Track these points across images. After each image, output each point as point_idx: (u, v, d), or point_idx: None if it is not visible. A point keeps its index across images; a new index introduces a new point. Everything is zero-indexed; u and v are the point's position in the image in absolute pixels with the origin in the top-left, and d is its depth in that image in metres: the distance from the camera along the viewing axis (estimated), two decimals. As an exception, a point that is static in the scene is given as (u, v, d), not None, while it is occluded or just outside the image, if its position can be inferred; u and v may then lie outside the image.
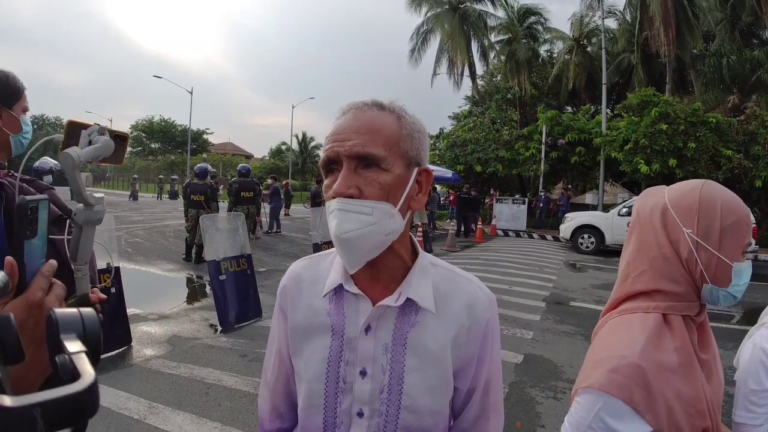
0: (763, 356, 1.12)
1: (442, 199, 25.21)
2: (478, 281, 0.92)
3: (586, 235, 13.91)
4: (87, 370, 0.43)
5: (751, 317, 6.56)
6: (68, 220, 1.10)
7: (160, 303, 6.32)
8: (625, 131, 17.04)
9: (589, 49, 28.50)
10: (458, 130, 23.94)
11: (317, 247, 6.81)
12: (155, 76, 34.05)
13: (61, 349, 0.47)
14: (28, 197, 0.72)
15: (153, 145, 59.18)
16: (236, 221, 5.94)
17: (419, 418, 0.83)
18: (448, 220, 21.16)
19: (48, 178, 6.11)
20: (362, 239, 0.76)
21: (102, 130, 1.03)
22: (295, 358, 0.91)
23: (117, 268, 4.69)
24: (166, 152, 56.97)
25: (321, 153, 0.85)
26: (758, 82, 21.65)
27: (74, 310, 0.55)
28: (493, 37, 28.90)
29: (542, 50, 30.19)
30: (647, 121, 16.31)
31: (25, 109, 1.25)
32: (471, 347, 0.86)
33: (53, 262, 0.90)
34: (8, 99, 1.21)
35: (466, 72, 28.84)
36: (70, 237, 1.04)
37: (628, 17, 26.51)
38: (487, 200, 21.64)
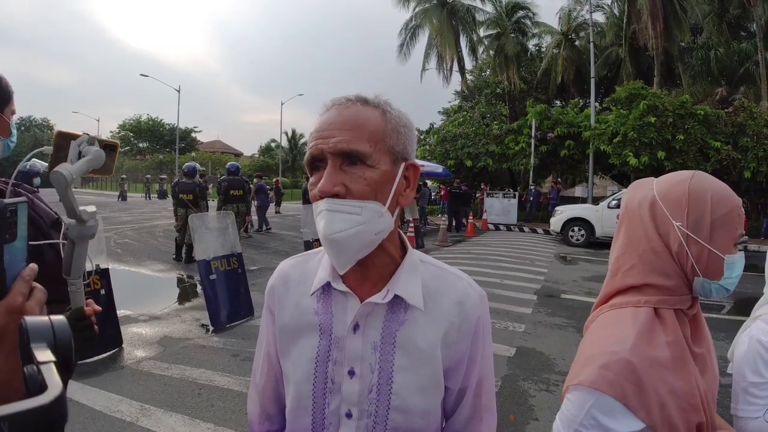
0: (761, 348, 1.11)
1: (433, 194, 25.24)
2: (468, 278, 0.90)
3: (576, 228, 14.00)
4: (55, 381, 0.41)
5: (741, 308, 6.65)
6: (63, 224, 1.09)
7: (151, 304, 6.26)
8: (613, 124, 17.15)
9: (577, 43, 28.65)
10: (448, 125, 23.96)
11: (308, 245, 6.79)
12: (142, 74, 33.85)
13: (31, 359, 0.46)
14: (6, 200, 0.71)
15: (141, 145, 58.67)
16: (226, 220, 5.89)
17: (409, 419, 0.81)
18: (440, 215, 21.19)
19: (37, 180, 6.04)
20: (351, 240, 0.75)
21: (92, 140, 1.02)
22: (282, 359, 0.89)
23: (106, 270, 4.63)
24: (154, 151, 56.54)
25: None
26: (746, 75, 21.92)
27: (45, 318, 0.53)
28: (481, 32, 28.97)
29: (531, 45, 30.30)
30: (636, 114, 16.43)
31: (13, 113, 1.23)
32: (461, 346, 0.85)
33: (34, 266, 0.88)
34: (0, 103, 1.19)
35: (455, 67, 28.91)
36: (61, 242, 1.02)
37: (615, 11, 26.70)
38: (477, 195, 21.71)
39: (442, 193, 21.79)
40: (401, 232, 0.89)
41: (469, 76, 31.65)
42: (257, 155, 59.11)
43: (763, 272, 1.32)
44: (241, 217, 10.83)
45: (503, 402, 3.67)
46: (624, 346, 0.84)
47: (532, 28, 29.03)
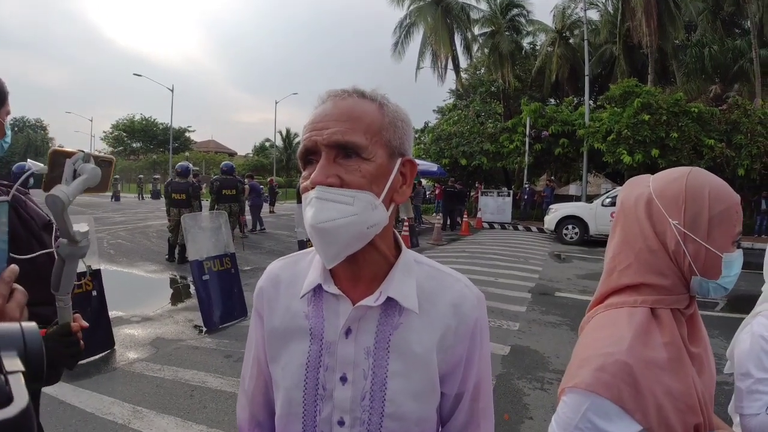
0: (764, 343, 1.10)
1: (427, 192, 25.27)
2: (466, 279, 0.87)
3: (570, 226, 14.05)
4: (21, 392, 0.40)
5: (735, 305, 6.67)
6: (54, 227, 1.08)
7: (143, 305, 6.22)
8: (607, 122, 17.23)
9: (571, 41, 28.75)
10: (443, 123, 24.01)
11: (302, 244, 6.77)
12: (135, 74, 33.73)
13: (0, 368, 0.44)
14: None
15: (134, 145, 58.47)
16: (219, 220, 5.86)
17: (404, 426, 0.78)
18: (434, 214, 21.23)
19: (30, 181, 6.00)
20: (341, 230, 0.71)
21: (87, 158, 1.01)
22: (272, 364, 0.86)
23: (98, 271, 4.59)
24: (147, 151, 56.35)
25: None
26: (740, 72, 22.06)
27: (15, 324, 0.51)
28: (476, 30, 29.03)
29: (525, 43, 30.41)
30: (630, 112, 16.51)
31: (8, 113, 1.23)
32: (458, 349, 0.82)
33: (14, 267, 0.85)
34: None
35: (450, 65, 28.93)
36: (54, 249, 1.01)
37: (610, 8, 26.81)
38: (472, 193, 21.75)
39: (437, 191, 21.82)
40: (396, 231, 0.86)
41: (463, 75, 31.70)
42: (251, 155, 59.01)
43: (756, 270, 1.31)
44: (234, 217, 10.78)
45: (498, 401, 3.66)
46: (620, 348, 0.82)
47: (527, 26, 29.12)
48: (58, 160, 0.97)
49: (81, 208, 21.58)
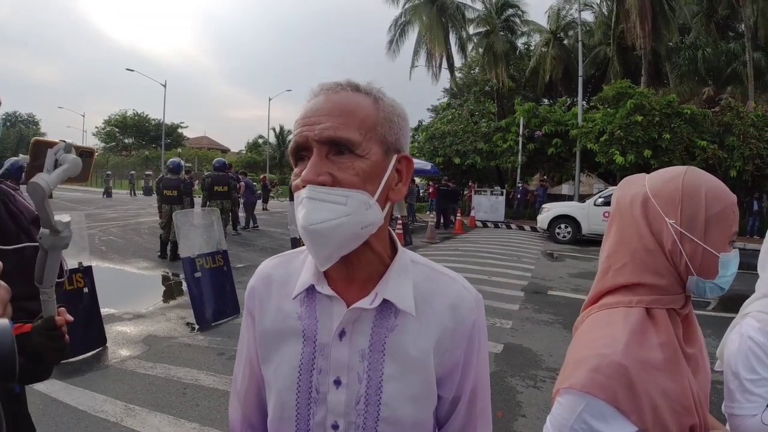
0: (753, 345, 1.11)
1: (421, 191, 25.28)
2: (463, 280, 0.85)
3: (562, 225, 14.11)
4: None
5: (727, 305, 6.72)
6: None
7: (136, 302, 6.18)
8: (600, 123, 17.29)
9: (565, 41, 28.82)
10: (437, 122, 24.03)
11: (295, 242, 6.75)
12: (128, 69, 33.28)
13: None
14: None
15: (126, 141, 58.03)
16: (211, 216, 5.83)
17: (400, 431, 0.77)
18: (428, 212, 21.25)
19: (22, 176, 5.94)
20: (334, 231, 0.69)
21: (68, 148, 1.00)
22: (264, 366, 0.84)
23: (90, 267, 4.55)
24: (140, 147, 55.96)
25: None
26: (733, 74, 22.22)
27: None
28: (471, 30, 28.97)
29: (520, 43, 30.44)
30: (622, 113, 16.57)
31: None
32: (456, 352, 0.80)
33: None
34: None
35: (445, 64, 28.90)
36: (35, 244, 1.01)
37: (604, 10, 26.91)
38: (465, 192, 21.78)
39: (431, 190, 21.83)
40: (391, 230, 0.83)
41: (458, 74, 31.71)
42: (244, 151, 58.74)
43: (748, 270, 1.32)
44: (226, 214, 10.74)
45: (491, 398, 3.67)
46: (615, 349, 0.82)
47: (521, 27, 29.14)
48: (40, 149, 0.97)
49: (73, 204, 21.39)
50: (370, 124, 0.72)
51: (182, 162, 9.65)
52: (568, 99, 25.12)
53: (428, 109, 36.57)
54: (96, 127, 60.05)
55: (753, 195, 16.30)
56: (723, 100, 18.07)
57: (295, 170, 0.74)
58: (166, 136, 42.09)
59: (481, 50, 28.18)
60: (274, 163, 46.96)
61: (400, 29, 28.52)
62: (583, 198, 16.86)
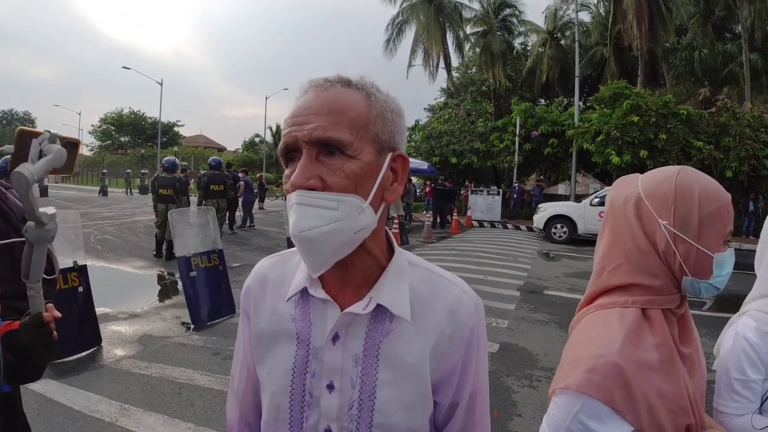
0: (746, 345, 1.11)
1: (418, 190, 25.30)
2: (463, 283, 0.82)
3: (558, 225, 14.15)
4: None
5: (722, 304, 6.75)
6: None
7: (131, 301, 6.16)
8: (597, 123, 17.33)
9: (562, 42, 28.91)
10: (434, 122, 24.03)
11: (291, 241, 6.74)
12: (124, 67, 33.16)
13: None
14: None
15: (122, 139, 57.89)
16: (206, 215, 5.81)
17: None
18: (425, 212, 21.28)
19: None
20: (326, 238, 0.66)
21: (53, 138, 0.99)
22: (258, 367, 0.83)
23: (84, 266, 4.53)
24: (136, 146, 55.83)
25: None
26: (730, 75, 22.33)
27: None
28: (468, 29, 29.09)
29: (517, 43, 30.53)
30: (619, 113, 16.61)
31: None
32: (453, 357, 0.77)
33: None
34: None
35: (442, 64, 28.96)
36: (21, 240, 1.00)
37: (601, 11, 27.00)
38: (462, 192, 21.79)
39: (427, 189, 21.84)
40: (388, 230, 0.81)
41: (455, 73, 31.76)
42: (241, 150, 58.63)
43: (745, 270, 1.32)
44: (222, 213, 10.71)
45: (486, 399, 3.68)
46: (611, 349, 0.82)
47: (519, 27, 29.25)
48: (25, 139, 0.96)
49: (68, 203, 21.31)
50: (362, 123, 0.69)
51: (177, 160, 9.63)
52: (565, 99, 25.15)
53: (425, 108, 36.56)
54: (92, 126, 59.97)
55: (749, 195, 16.38)
56: (719, 101, 18.15)
57: (286, 171, 0.71)
58: (162, 134, 41.97)
59: (478, 50, 28.26)
60: (271, 162, 46.85)
61: (397, 28, 28.56)
62: (579, 198, 16.91)
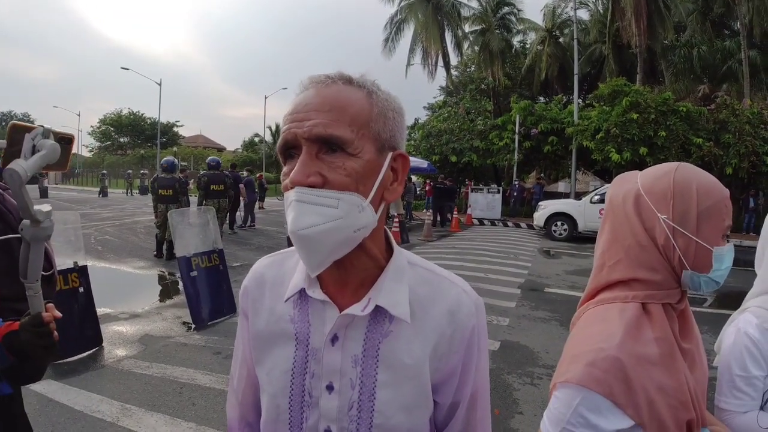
0: (748, 341, 1.11)
1: (418, 189, 25.29)
2: (463, 283, 0.81)
3: (559, 223, 14.15)
4: None
5: (723, 301, 6.74)
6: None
7: (132, 302, 6.17)
8: (596, 120, 17.32)
9: (561, 39, 28.86)
10: (433, 120, 24.02)
11: (290, 241, 6.73)
12: (123, 68, 33.13)
13: None
14: None
15: (122, 140, 57.86)
16: (206, 215, 5.81)
17: None
18: (425, 210, 21.29)
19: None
20: (325, 236, 0.65)
21: (46, 133, 0.97)
22: (257, 368, 0.83)
23: (85, 267, 4.53)
24: (135, 146, 55.80)
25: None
26: (729, 72, 22.31)
27: None
28: (466, 28, 29.02)
29: (515, 41, 30.48)
30: (618, 111, 16.59)
31: None
32: (453, 358, 0.77)
33: None
34: None
35: (441, 62, 28.90)
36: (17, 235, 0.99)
37: (600, 8, 26.97)
38: (462, 190, 21.78)
39: (427, 188, 21.84)
40: (387, 230, 0.80)
41: (454, 72, 31.71)
42: (240, 150, 58.60)
43: (745, 266, 1.32)
44: (222, 213, 10.71)
45: (487, 397, 3.68)
46: (611, 343, 0.82)
47: (517, 25, 29.16)
48: (18, 134, 0.94)
49: (68, 204, 21.31)
50: (363, 121, 0.68)
51: (176, 161, 9.63)
52: (564, 97, 25.15)
53: (424, 107, 36.62)
54: (91, 126, 60.00)
55: (749, 192, 16.37)
56: (718, 98, 18.13)
57: (284, 169, 0.70)
58: (161, 134, 41.93)
59: (476, 48, 28.22)
60: (271, 162, 46.83)
61: (395, 27, 28.52)
62: (579, 195, 16.90)
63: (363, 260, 0.74)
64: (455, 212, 16.40)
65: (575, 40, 21.20)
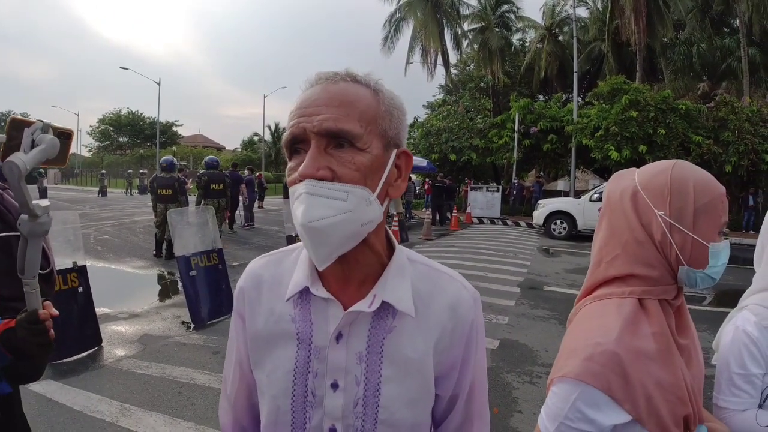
0: (746, 339, 1.10)
1: (417, 188, 25.31)
2: (461, 278, 0.83)
3: (558, 221, 14.15)
4: None
5: (722, 299, 6.74)
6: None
7: (131, 301, 6.16)
8: (596, 119, 17.30)
9: (560, 38, 28.90)
10: (432, 119, 24.01)
11: (291, 240, 6.74)
12: (122, 67, 33.14)
13: None
14: None
15: (121, 139, 57.85)
16: (205, 215, 5.80)
17: None
18: (424, 209, 21.30)
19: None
20: (334, 229, 0.65)
21: (46, 128, 0.96)
22: (256, 370, 0.81)
23: (84, 267, 4.53)
24: (134, 146, 55.79)
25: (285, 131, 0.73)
26: (728, 70, 22.32)
27: None
28: (466, 26, 29.10)
29: (515, 39, 30.54)
30: (618, 109, 16.58)
31: None
32: (454, 351, 0.78)
33: None
34: None
35: (440, 61, 28.95)
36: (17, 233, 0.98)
37: (599, 6, 26.98)
38: (461, 188, 21.78)
39: (426, 187, 21.85)
40: (387, 228, 0.81)
41: (453, 70, 31.76)
42: (240, 149, 58.58)
43: (744, 264, 1.32)
44: (222, 212, 10.71)
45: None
46: (609, 338, 0.82)
47: (516, 23, 29.23)
48: (17, 129, 0.94)
49: (67, 203, 21.30)
50: (371, 117, 0.69)
51: (175, 160, 9.64)
52: (564, 95, 25.13)
53: (424, 105, 36.61)
54: (90, 126, 59.87)
55: (748, 190, 16.39)
56: (718, 96, 18.12)
57: (290, 164, 0.70)
58: (160, 134, 41.90)
59: (476, 46, 28.27)
60: (270, 161, 46.83)
61: (394, 25, 28.56)
62: (578, 194, 16.91)
63: (367, 256, 0.75)
64: (455, 211, 16.41)
65: (574, 38, 21.19)
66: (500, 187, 20.21)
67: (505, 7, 28.24)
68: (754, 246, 1.30)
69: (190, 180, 15.55)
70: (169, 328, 5.13)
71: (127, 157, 52.19)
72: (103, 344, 4.51)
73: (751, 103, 17.28)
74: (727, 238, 0.92)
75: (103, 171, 34.06)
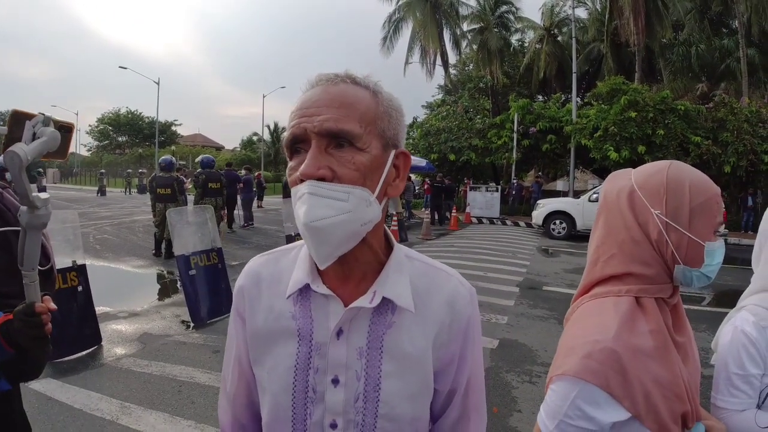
0: (745, 339, 1.11)
1: (416, 188, 25.31)
2: (458, 275, 0.84)
3: (557, 221, 14.16)
4: None
5: (721, 300, 6.76)
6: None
7: (130, 300, 6.17)
8: (594, 119, 17.31)
9: (559, 38, 28.92)
10: (432, 119, 24.01)
11: (290, 239, 6.74)
12: (121, 67, 33.08)
13: None
14: None
15: (120, 139, 57.78)
16: (204, 214, 5.80)
17: (399, 427, 0.77)
18: (423, 209, 21.29)
19: (9, 175, 5.89)
20: (335, 229, 0.67)
21: (47, 121, 0.97)
22: (256, 368, 0.82)
23: (83, 266, 4.53)
24: (133, 145, 55.72)
25: (285, 132, 0.74)
26: (727, 71, 22.34)
27: None
28: (465, 26, 29.13)
29: (514, 39, 30.56)
30: (616, 109, 16.59)
31: None
32: (452, 347, 0.80)
33: None
34: None
35: (439, 61, 28.97)
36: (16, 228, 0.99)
37: (598, 7, 27.02)
38: (461, 188, 21.78)
39: (425, 187, 21.86)
40: (385, 226, 0.82)
41: (452, 70, 31.75)
42: (239, 149, 58.53)
43: (743, 265, 1.33)
44: (219, 211, 10.72)
45: (486, 394, 3.63)
46: (607, 335, 0.83)
47: (515, 23, 29.27)
48: (19, 121, 0.95)
49: (67, 203, 21.28)
50: (371, 118, 0.71)
51: (174, 159, 9.63)
52: (563, 95, 25.14)
53: (423, 105, 36.61)
54: (89, 126, 59.73)
55: (747, 191, 16.39)
56: (717, 96, 18.14)
57: (291, 164, 0.72)
58: (159, 133, 41.86)
59: (475, 47, 28.30)
60: (269, 161, 46.80)
61: (394, 26, 28.57)
62: (577, 194, 16.91)
63: (366, 254, 0.76)
64: (454, 211, 16.41)
65: (573, 39, 21.21)
66: (499, 187, 20.23)
67: (504, 8, 28.27)
68: (753, 246, 1.30)
69: (189, 179, 15.53)
70: (169, 326, 5.13)
71: (126, 156, 52.15)
72: (102, 343, 4.51)
73: (749, 103, 17.31)
74: (726, 238, 0.93)
75: (102, 170, 34.01)
